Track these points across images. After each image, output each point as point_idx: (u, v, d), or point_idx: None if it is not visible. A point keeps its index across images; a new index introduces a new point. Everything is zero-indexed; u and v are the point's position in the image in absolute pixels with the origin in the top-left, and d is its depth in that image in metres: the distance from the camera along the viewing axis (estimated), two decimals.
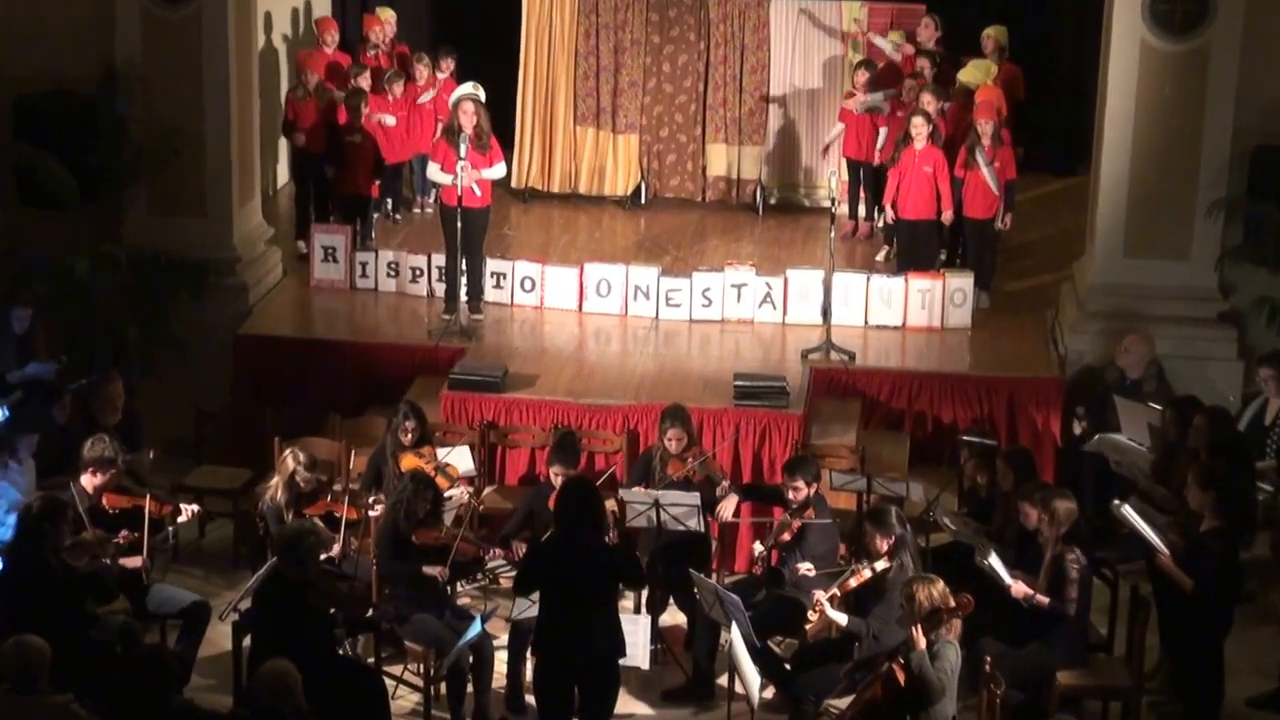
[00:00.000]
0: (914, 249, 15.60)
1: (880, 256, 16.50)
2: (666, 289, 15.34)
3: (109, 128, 14.99)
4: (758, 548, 11.99)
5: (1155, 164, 14.45)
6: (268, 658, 9.67)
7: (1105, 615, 11.75)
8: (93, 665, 10.46)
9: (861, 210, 17.16)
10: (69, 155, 14.69)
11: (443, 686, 11.36)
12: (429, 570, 11.47)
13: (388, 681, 11.29)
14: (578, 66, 17.91)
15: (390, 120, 16.90)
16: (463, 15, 19.11)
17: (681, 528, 11.94)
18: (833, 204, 14.79)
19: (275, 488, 12.14)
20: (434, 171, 15.14)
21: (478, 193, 14.78)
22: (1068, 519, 11.09)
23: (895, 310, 15.14)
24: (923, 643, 9.81)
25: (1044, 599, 10.97)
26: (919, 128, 15.27)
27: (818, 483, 11.95)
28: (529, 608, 10.77)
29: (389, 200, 17.48)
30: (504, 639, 11.71)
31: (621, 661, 10.31)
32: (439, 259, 15.37)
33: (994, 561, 11.13)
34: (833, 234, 14.71)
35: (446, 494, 12.28)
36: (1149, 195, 14.52)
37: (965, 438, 13.04)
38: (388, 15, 17.95)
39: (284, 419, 13.66)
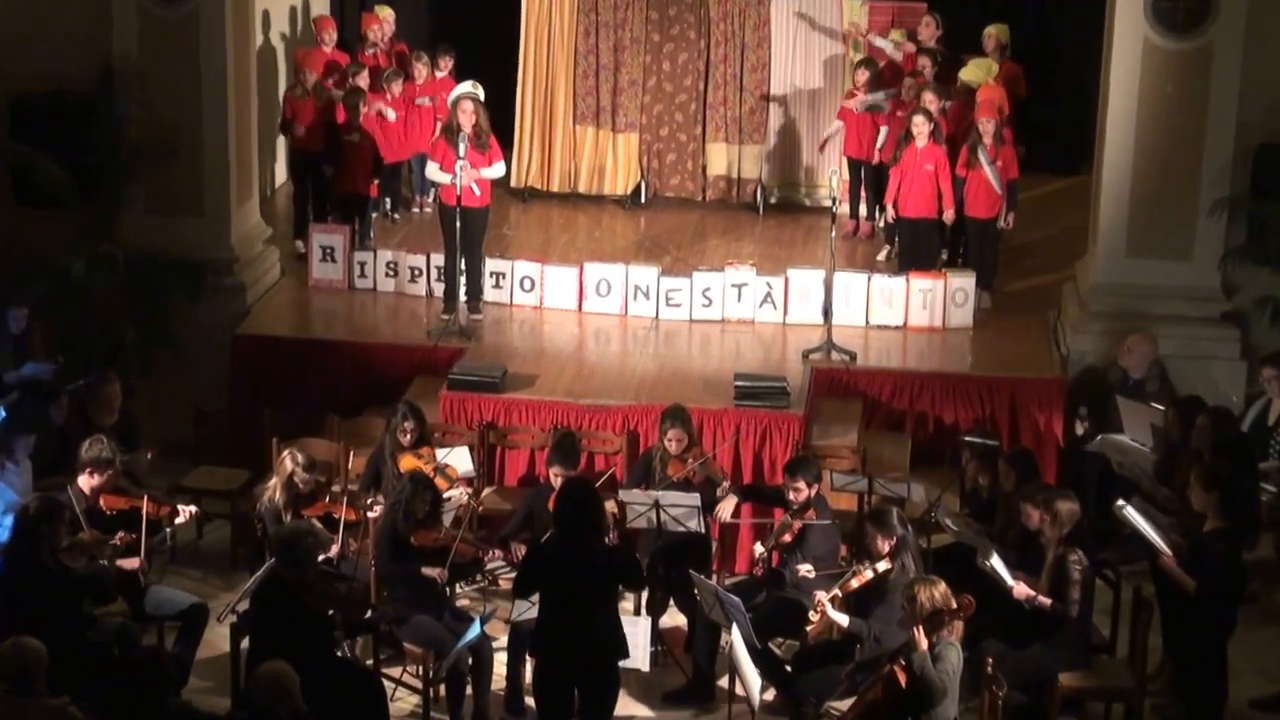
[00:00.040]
0: (915, 248, 15.58)
1: (881, 256, 16.48)
2: (666, 289, 15.32)
3: (106, 127, 14.97)
4: (758, 549, 11.96)
5: (1158, 163, 14.43)
6: (266, 659, 9.64)
7: (1108, 616, 11.75)
8: (90, 667, 10.42)
9: (863, 210, 17.14)
10: (66, 155, 14.67)
11: (442, 688, 11.36)
12: (428, 572, 11.46)
13: (386, 683, 11.26)
14: (577, 65, 17.87)
15: (391, 114, 16.88)
16: (462, 13, 19.09)
17: (682, 529, 11.93)
18: (834, 203, 14.76)
19: (273, 489, 12.11)
20: (433, 171, 15.12)
21: (477, 192, 14.75)
22: (1070, 520, 11.07)
23: (896, 310, 15.12)
24: (924, 644, 9.80)
25: (1046, 600, 10.95)
26: (920, 126, 15.25)
27: (819, 483, 11.92)
28: (528, 609, 10.75)
29: (388, 200, 17.47)
30: (503, 640, 11.68)
31: (621, 663, 10.27)
32: (438, 259, 15.35)
33: (996, 563, 11.12)
34: (833, 233, 14.69)
35: (445, 495, 12.26)
36: (1151, 194, 14.50)
37: (967, 438, 12.98)
38: (386, 13, 17.93)
39: (282, 419, 13.65)
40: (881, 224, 16.61)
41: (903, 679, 9.80)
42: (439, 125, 16.13)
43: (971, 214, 15.45)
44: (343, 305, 15.61)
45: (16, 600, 10.61)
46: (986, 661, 10.38)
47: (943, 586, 9.98)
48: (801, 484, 11.71)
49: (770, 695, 11.14)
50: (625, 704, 11.07)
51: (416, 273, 15.64)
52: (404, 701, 11.58)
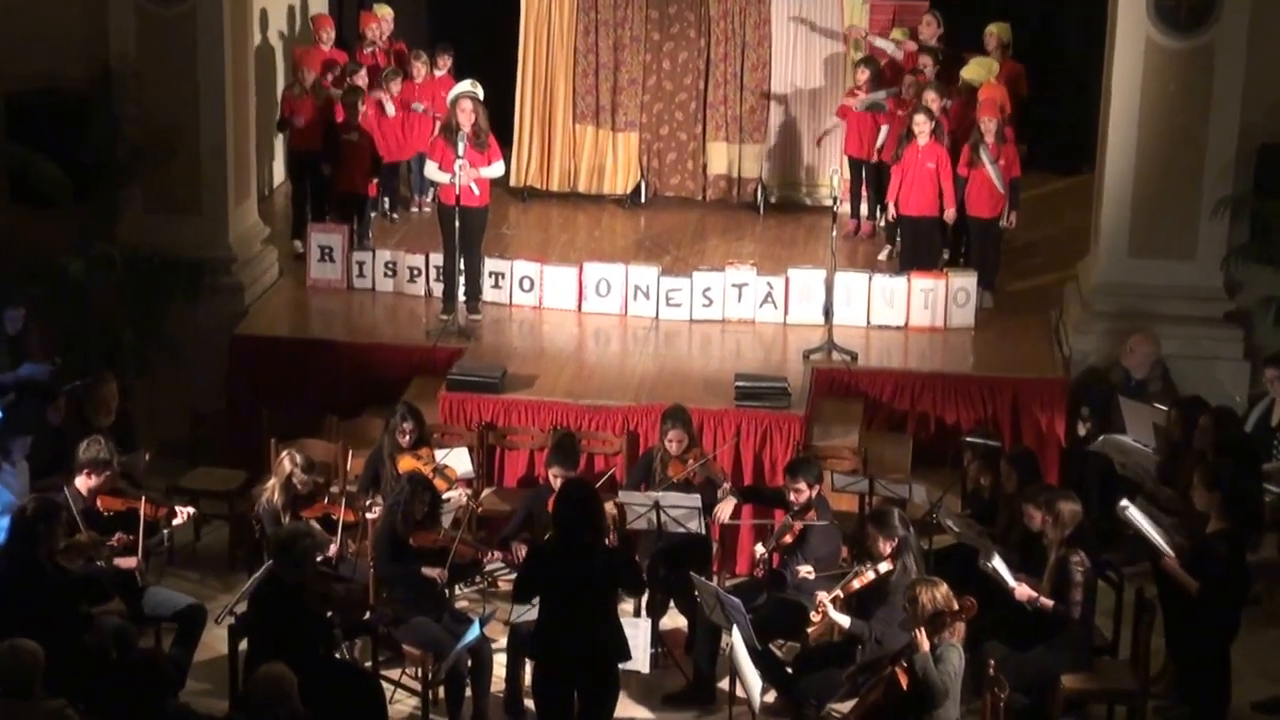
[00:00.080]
0: (916, 247, 15.56)
1: (882, 256, 16.45)
2: (667, 289, 15.30)
3: (103, 126, 14.94)
4: (759, 550, 11.94)
5: (1160, 162, 14.40)
6: (264, 661, 9.62)
7: (1110, 618, 11.74)
8: (87, 669, 10.41)
9: (864, 209, 17.12)
10: (63, 154, 14.63)
11: (441, 690, 11.34)
12: (428, 572, 11.45)
13: (385, 685, 11.23)
14: (577, 64, 17.84)
15: (390, 109, 16.86)
16: (461, 12, 19.08)
17: (682, 530, 11.90)
18: (834, 203, 14.75)
19: (272, 490, 12.10)
20: (432, 170, 15.09)
21: (476, 191, 14.73)
22: (1072, 521, 11.06)
23: (898, 310, 15.10)
24: (926, 646, 9.78)
25: (1048, 602, 10.93)
26: (921, 125, 15.24)
27: (819, 484, 11.90)
28: (528, 611, 10.72)
29: (386, 199, 17.44)
30: (502, 642, 11.65)
31: (621, 665, 10.24)
32: (437, 258, 15.33)
33: (998, 564, 11.09)
34: (834, 233, 14.67)
35: (444, 496, 12.24)
36: (1154, 194, 14.47)
37: (969, 439, 12.93)
38: (385, 12, 17.91)
39: (280, 420, 13.64)
40: (882, 223, 16.58)
41: (904, 681, 9.78)
42: (438, 124, 16.08)
43: (973, 213, 15.42)
44: (341, 305, 15.58)
45: (13, 602, 10.56)
46: (988, 663, 10.35)
47: (944, 588, 9.95)
48: (802, 485, 11.68)
49: (771, 697, 11.08)
50: (625, 706, 11.04)
51: (415, 273, 15.62)
52: (403, 703, 11.55)
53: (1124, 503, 11.63)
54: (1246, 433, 12.97)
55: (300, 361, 14.74)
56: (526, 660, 11.12)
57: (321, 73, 16.83)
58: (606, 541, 10.60)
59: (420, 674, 11.33)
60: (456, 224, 14.68)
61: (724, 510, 12.16)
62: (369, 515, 12.11)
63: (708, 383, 13.97)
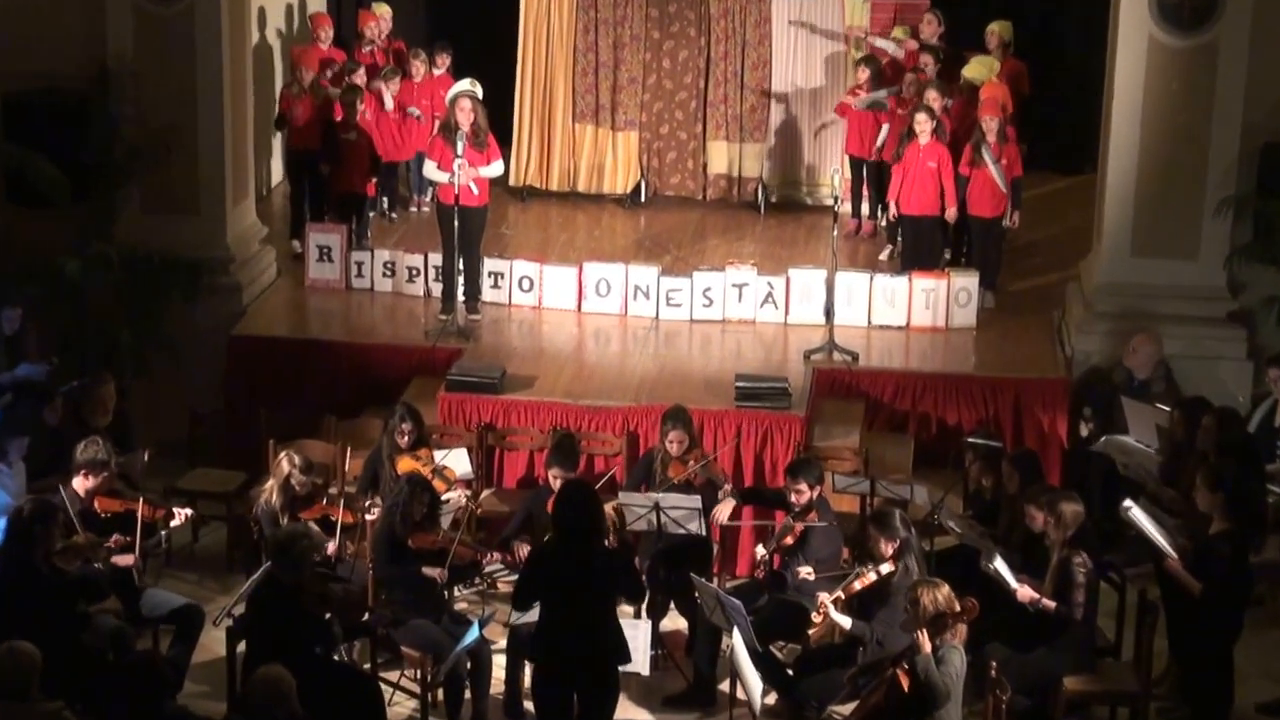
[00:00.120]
0: (918, 246, 15.54)
1: (884, 255, 16.43)
2: (667, 289, 15.28)
3: (101, 126, 14.91)
4: (760, 551, 11.91)
5: (1163, 161, 14.37)
6: (262, 663, 9.60)
7: (1113, 619, 11.70)
8: (85, 672, 10.39)
9: (865, 208, 17.10)
10: (61, 154, 14.60)
11: (440, 693, 11.32)
12: (429, 572, 11.43)
13: (384, 687, 11.21)
14: (576, 63, 17.80)
15: (389, 102, 16.83)
16: (460, 10, 19.03)
17: (682, 531, 11.87)
18: (835, 202, 14.74)
19: (270, 491, 12.08)
20: (431, 169, 15.08)
21: (475, 191, 14.71)
22: (1074, 522, 11.04)
23: (899, 310, 15.07)
24: (928, 647, 9.77)
25: (1050, 603, 10.91)
26: (923, 123, 15.22)
27: (820, 485, 11.88)
28: (528, 612, 10.64)
29: (385, 199, 17.41)
30: (502, 644, 11.63)
31: (621, 667, 10.21)
32: (436, 258, 15.31)
33: (999, 565, 11.07)
34: (835, 232, 14.66)
35: (444, 497, 12.23)
36: (1156, 193, 14.44)
37: (970, 439, 12.88)
38: (383, 10, 17.88)
39: (278, 421, 13.61)
40: (883, 223, 16.54)
41: (905, 683, 9.77)
42: (436, 124, 16.04)
43: (975, 213, 15.39)
44: (340, 305, 15.55)
45: (10, 604, 10.55)
46: (990, 665, 10.33)
47: (946, 589, 9.94)
48: (803, 486, 11.66)
49: (772, 699, 11.08)
50: (625, 708, 11.01)
51: (414, 273, 15.59)
52: (402, 706, 11.53)
53: (1127, 503, 11.61)
54: (1249, 433, 12.94)
55: (298, 362, 14.71)
56: (526, 662, 11.09)
57: (320, 72, 16.78)
58: (606, 543, 10.56)
59: (419, 676, 11.30)
60: (455, 224, 14.64)
61: (722, 511, 12.15)
62: (368, 516, 12.08)
63: (708, 383, 13.94)
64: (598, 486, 11.61)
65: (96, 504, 11.66)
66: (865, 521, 12.01)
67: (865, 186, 16.99)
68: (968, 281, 15.09)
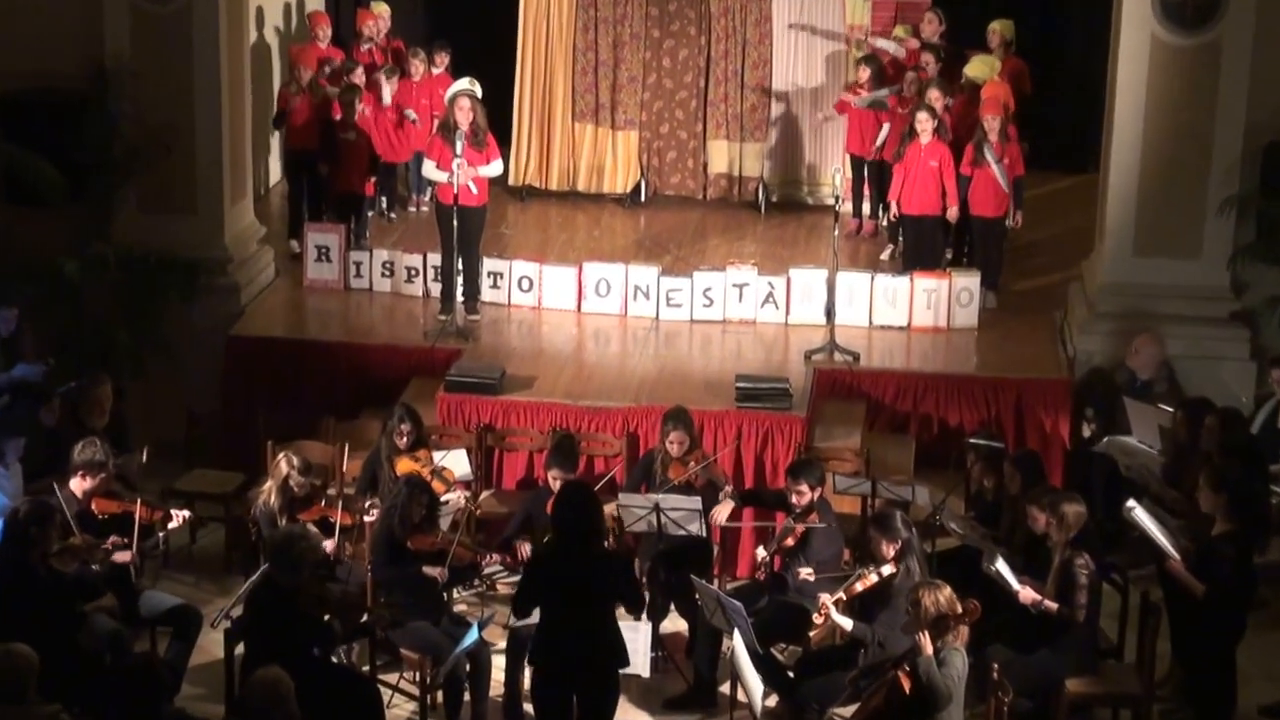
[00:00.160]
0: (919, 246, 15.52)
1: (885, 255, 16.41)
2: (667, 289, 15.25)
3: (98, 125, 14.87)
4: (760, 553, 11.88)
5: (1166, 161, 14.35)
6: (260, 665, 9.57)
7: (1115, 621, 11.66)
8: (82, 674, 10.37)
9: (866, 208, 17.08)
10: (58, 153, 14.57)
11: (439, 695, 11.30)
12: (429, 571, 11.43)
13: (383, 690, 11.18)
14: (576, 62, 17.77)
15: (388, 97, 16.83)
16: (458, 9, 18.99)
17: (682, 532, 11.83)
18: (836, 201, 14.76)
19: (268, 492, 12.05)
20: (430, 169, 15.06)
21: (474, 191, 14.68)
22: (1076, 523, 11.01)
23: (900, 310, 15.04)
24: (929, 649, 9.75)
25: (1052, 605, 10.89)
26: (924, 122, 15.22)
27: (821, 486, 11.85)
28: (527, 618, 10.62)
29: (384, 198, 17.38)
30: (501, 646, 11.58)
31: (621, 669, 10.18)
32: (435, 258, 15.28)
33: (1001, 567, 11.05)
34: (836, 232, 14.63)
35: (443, 498, 12.21)
36: (1159, 192, 14.42)
37: (972, 440, 12.90)
38: (381, 9, 17.86)
39: (277, 422, 13.58)
40: (885, 222, 16.50)
41: (907, 685, 9.74)
42: (435, 123, 16.00)
43: (977, 212, 15.36)
44: (338, 306, 15.52)
45: (7, 606, 10.52)
46: (992, 667, 10.30)
47: (948, 591, 9.91)
48: (804, 487, 11.63)
49: (773, 701, 11.05)
50: (625, 711, 10.99)
51: (413, 273, 15.56)
52: (401, 708, 11.52)
53: (1130, 503, 11.58)
54: (1253, 434, 12.93)
55: (297, 362, 14.69)
56: (525, 664, 10.99)
57: (318, 70, 16.74)
58: (606, 545, 10.55)
59: (418, 678, 11.29)
60: (454, 223, 14.61)
61: (720, 512, 12.14)
62: (366, 518, 12.06)
63: (708, 384, 13.92)
64: (597, 488, 11.62)
65: (94, 505, 11.63)
66: (866, 523, 11.97)
67: (866, 186, 16.96)
68: (969, 281, 15.07)
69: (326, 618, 10.67)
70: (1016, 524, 11.72)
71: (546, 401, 13.63)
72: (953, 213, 15.35)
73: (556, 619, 10.01)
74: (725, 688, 11.41)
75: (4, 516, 11.14)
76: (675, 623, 12.18)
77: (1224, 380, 14.25)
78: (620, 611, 10.49)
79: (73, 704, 9.75)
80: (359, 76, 16.70)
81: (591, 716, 10.09)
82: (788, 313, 15.10)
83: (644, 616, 11.67)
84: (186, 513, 12.18)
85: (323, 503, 12.21)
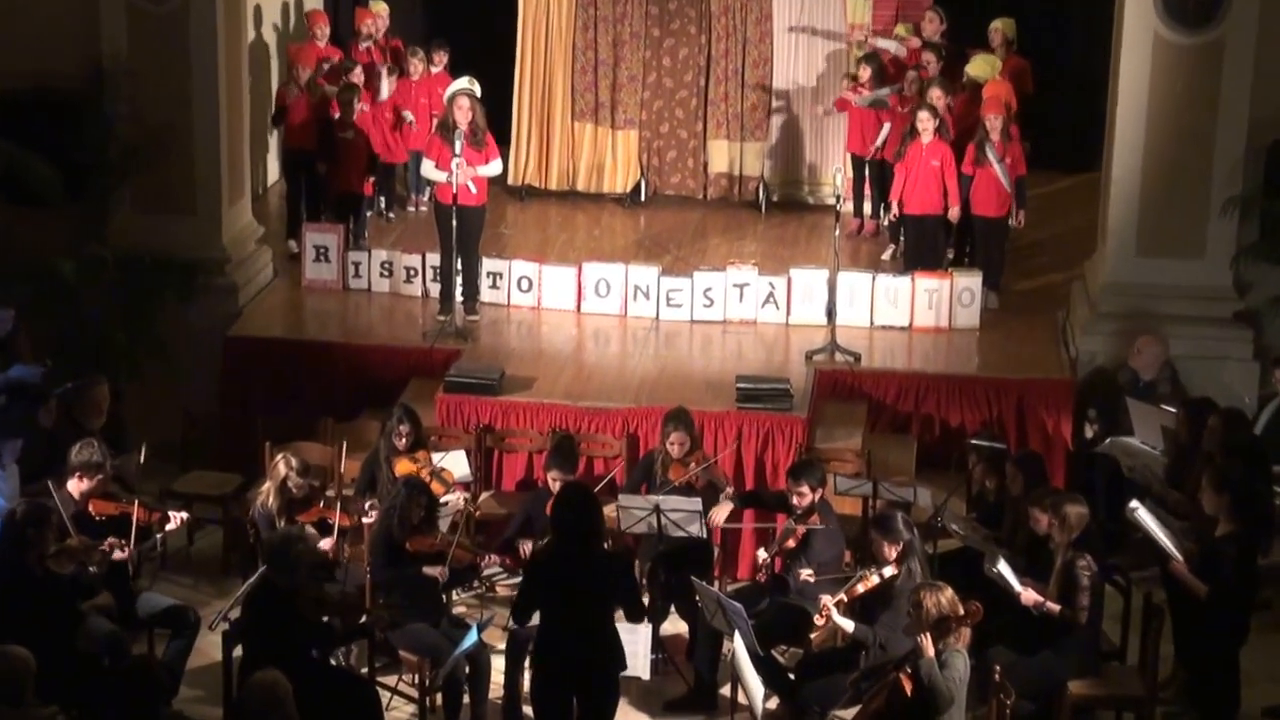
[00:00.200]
0: (920, 246, 15.50)
1: (886, 255, 16.39)
2: (667, 289, 15.23)
3: (95, 125, 14.86)
4: (761, 554, 11.87)
5: (1168, 160, 14.32)
6: (258, 668, 9.58)
7: (1118, 623, 11.64)
8: (79, 676, 10.36)
9: (867, 207, 17.06)
10: (55, 153, 14.55)
11: (438, 697, 11.28)
12: (429, 571, 11.42)
13: (382, 692, 11.14)
14: (575, 61, 17.74)
15: (385, 92, 16.81)
16: (457, 8, 18.95)
17: (682, 533, 11.79)
18: (838, 201, 14.74)
19: (266, 493, 12.03)
20: (428, 169, 15.04)
21: (473, 190, 14.66)
22: (1079, 524, 10.99)
23: (902, 310, 15.01)
24: (931, 651, 9.73)
25: (1055, 606, 10.86)
26: (925, 122, 15.20)
27: (822, 488, 11.84)
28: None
29: (382, 198, 17.35)
30: (501, 647, 11.55)
31: (622, 672, 10.15)
32: (434, 259, 15.26)
33: (1003, 568, 11.03)
34: (837, 232, 14.62)
35: (442, 499, 12.20)
36: (1162, 192, 14.39)
37: (974, 441, 12.91)
38: (380, 8, 17.84)
39: (275, 423, 13.54)
40: (886, 222, 16.46)
41: (908, 687, 9.72)
42: (434, 122, 15.96)
43: (979, 212, 15.34)
44: (337, 306, 15.50)
45: (3, 608, 10.48)
46: (994, 669, 10.27)
47: (949, 592, 9.89)
48: (805, 488, 11.61)
49: (773, 704, 11.01)
50: (625, 713, 10.98)
51: (412, 273, 15.54)
52: (400, 711, 11.51)
53: (1134, 504, 11.56)
54: (1256, 434, 12.89)
55: (295, 363, 14.66)
56: (525, 666, 11.02)
57: (316, 69, 16.70)
58: (606, 546, 10.51)
59: (417, 680, 11.29)
60: (454, 223, 14.59)
61: (719, 514, 12.12)
62: (365, 519, 12.03)
63: (709, 384, 13.90)
64: (597, 489, 11.61)
65: (91, 507, 11.59)
66: (868, 524, 11.94)
67: (868, 185, 16.94)
68: (971, 281, 15.05)
69: (326, 617, 10.67)
70: (1018, 525, 11.69)
71: (546, 402, 13.60)
72: (954, 212, 15.33)
73: (556, 621, 9.98)
74: (726, 690, 11.38)
75: (1, 518, 11.08)
76: (675, 625, 12.15)
77: (1227, 381, 14.22)
78: (619, 615, 10.47)
79: (70, 706, 9.80)
80: (357, 75, 16.68)
81: (591, 719, 10.04)
82: (788, 313, 15.08)
83: (644, 619, 11.69)
84: (184, 514, 12.12)
85: (321, 504, 12.19)
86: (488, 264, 15.35)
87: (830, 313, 14.53)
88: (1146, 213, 14.44)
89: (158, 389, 14.35)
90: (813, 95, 17.54)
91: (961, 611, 9.77)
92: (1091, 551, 10.92)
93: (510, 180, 17.74)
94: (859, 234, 16.98)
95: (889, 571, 10.75)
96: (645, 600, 11.59)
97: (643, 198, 17.88)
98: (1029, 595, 10.87)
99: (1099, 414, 13.67)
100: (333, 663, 11.09)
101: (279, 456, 12.12)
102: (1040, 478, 12.04)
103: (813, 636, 11.24)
